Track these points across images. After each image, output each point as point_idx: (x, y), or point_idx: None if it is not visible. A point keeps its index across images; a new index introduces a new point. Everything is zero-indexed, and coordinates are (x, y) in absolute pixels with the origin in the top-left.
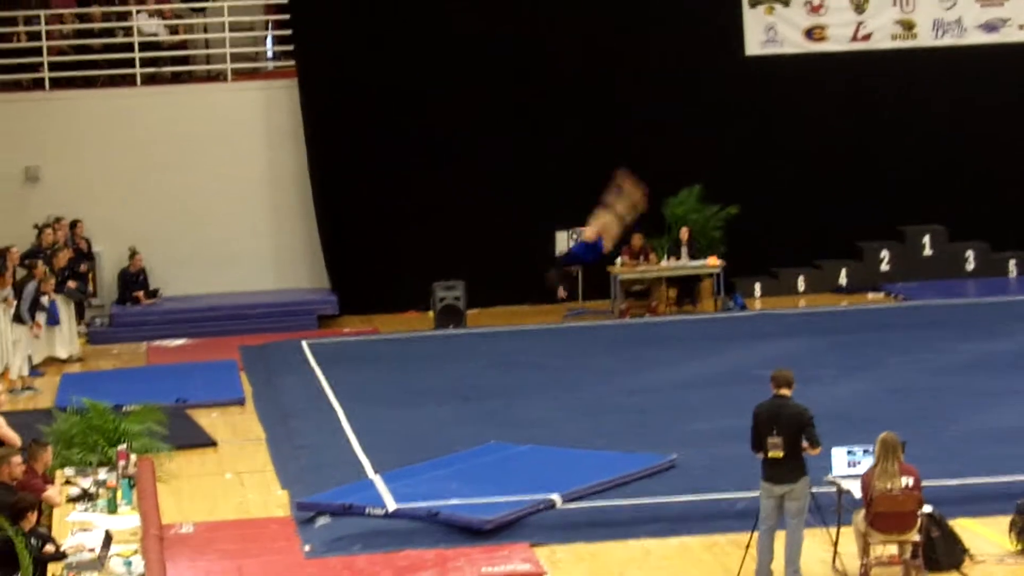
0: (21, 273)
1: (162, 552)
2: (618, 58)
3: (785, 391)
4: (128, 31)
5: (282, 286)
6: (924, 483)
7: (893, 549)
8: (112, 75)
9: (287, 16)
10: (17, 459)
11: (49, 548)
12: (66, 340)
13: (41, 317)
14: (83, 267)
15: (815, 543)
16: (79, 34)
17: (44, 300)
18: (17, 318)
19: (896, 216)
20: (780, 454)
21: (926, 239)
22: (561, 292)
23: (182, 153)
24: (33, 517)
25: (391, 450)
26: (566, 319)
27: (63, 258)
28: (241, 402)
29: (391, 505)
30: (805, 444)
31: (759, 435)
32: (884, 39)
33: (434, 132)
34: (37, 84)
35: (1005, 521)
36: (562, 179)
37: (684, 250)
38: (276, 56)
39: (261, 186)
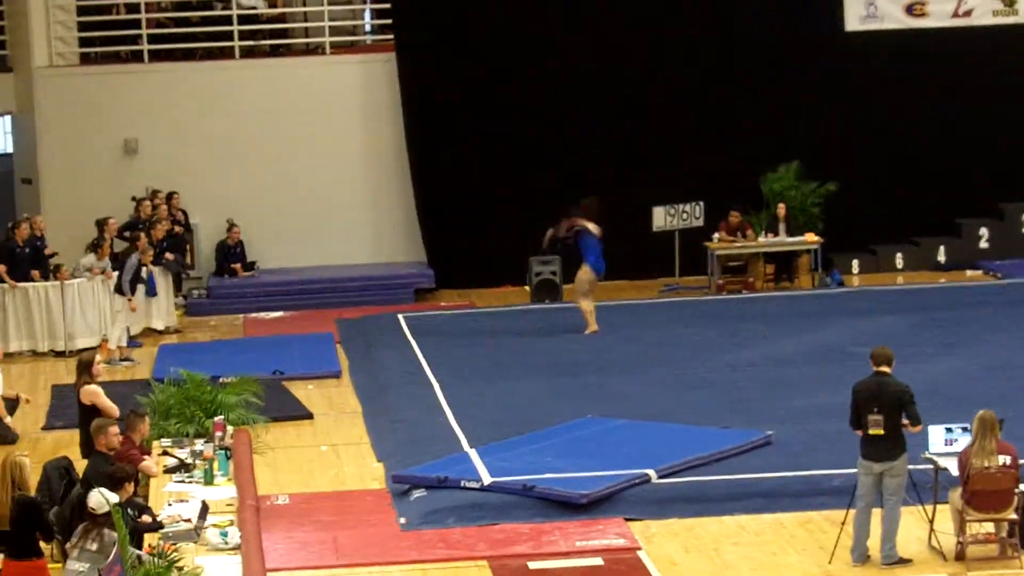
0: (119, 245)
1: (258, 523)
2: (718, 33)
3: (885, 368)
4: (227, 4)
5: (379, 260)
6: (1021, 461)
7: (989, 527)
8: (211, 48)
9: None
10: (115, 429)
11: (146, 518)
12: (163, 311)
13: (139, 290)
14: (178, 229)
15: (911, 521)
16: (178, 6)
17: (143, 273)
18: (118, 289)
19: (995, 193)
20: (881, 431)
21: None
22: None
23: (280, 126)
24: (130, 487)
25: (486, 424)
26: (662, 294)
27: (161, 230)
28: (337, 375)
29: (486, 478)
30: (905, 421)
31: (859, 412)
32: (985, 15)
33: (532, 106)
34: (136, 56)
35: None
36: (660, 155)
37: (782, 226)
38: (374, 30)
39: (359, 160)
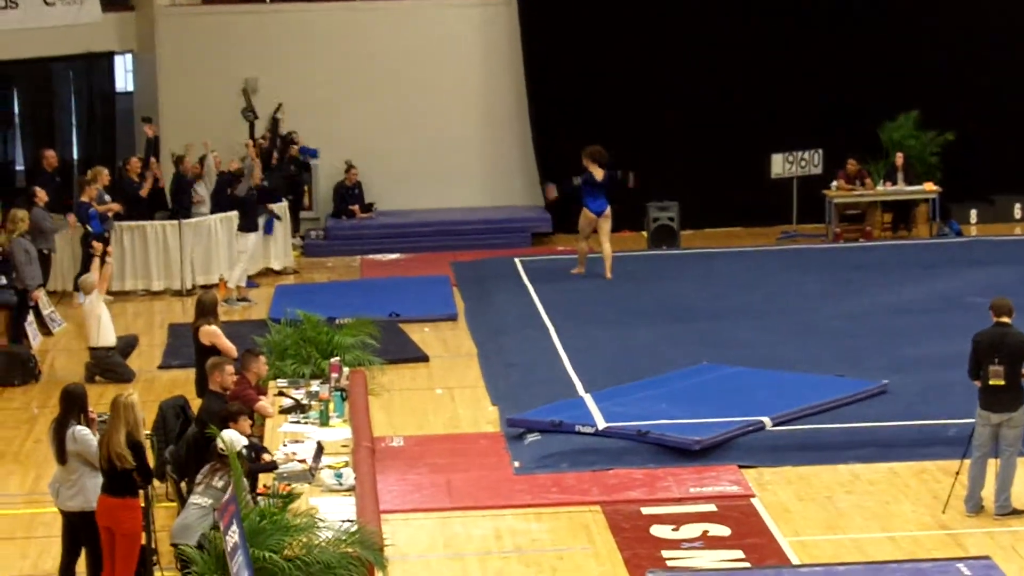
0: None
1: (373, 465)
2: None
3: (1006, 319)
4: None
5: (496, 203)
6: None
7: None
8: None
9: None
10: (230, 368)
11: (266, 457)
12: (281, 252)
13: (260, 227)
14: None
15: None
16: None
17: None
18: (241, 227)
19: None
20: (1002, 382)
21: None
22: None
23: (400, 68)
24: (245, 425)
25: (602, 369)
26: (780, 241)
27: (255, 148)
28: (453, 318)
29: (601, 424)
30: None
31: (979, 362)
32: None
33: (652, 51)
34: None
35: None
36: (779, 102)
37: (900, 175)
38: None
39: (477, 103)
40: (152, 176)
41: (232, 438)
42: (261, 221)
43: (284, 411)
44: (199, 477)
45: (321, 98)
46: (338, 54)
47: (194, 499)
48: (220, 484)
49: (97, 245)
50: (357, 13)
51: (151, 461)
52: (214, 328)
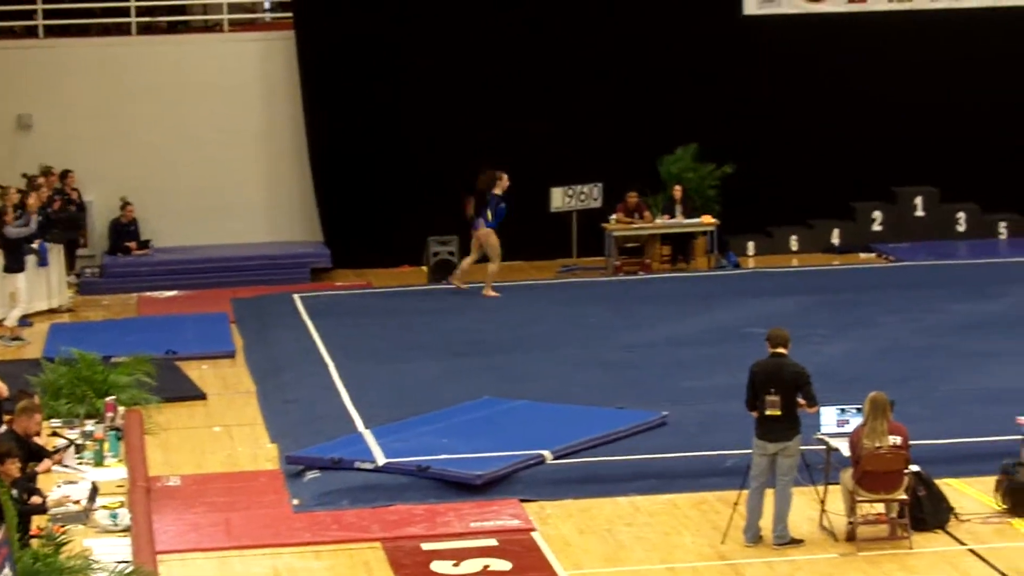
0: None
1: (149, 505)
2: (613, 15)
3: (782, 349)
4: None
5: (275, 238)
6: (912, 442)
7: (880, 508)
8: (107, 24)
9: None
10: (38, 417)
11: (36, 499)
12: (56, 290)
13: (31, 262)
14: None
15: (803, 501)
16: None
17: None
18: (8, 268)
19: (889, 177)
20: (778, 412)
21: (918, 200)
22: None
23: (177, 104)
24: (13, 467)
25: (382, 404)
26: (560, 275)
27: (37, 198)
28: (231, 355)
29: (381, 459)
30: (802, 402)
31: (755, 393)
32: (881, 1)
33: (431, 86)
34: (31, 32)
35: (991, 481)
36: (557, 136)
37: (679, 208)
38: (273, 7)
39: (256, 138)
40: None
41: None
42: (31, 258)
43: (58, 451)
44: None
45: (97, 133)
46: (114, 89)
47: None
48: None
49: None
50: (133, 48)
51: None
52: None
